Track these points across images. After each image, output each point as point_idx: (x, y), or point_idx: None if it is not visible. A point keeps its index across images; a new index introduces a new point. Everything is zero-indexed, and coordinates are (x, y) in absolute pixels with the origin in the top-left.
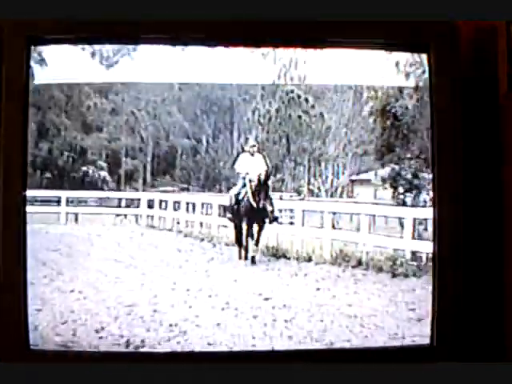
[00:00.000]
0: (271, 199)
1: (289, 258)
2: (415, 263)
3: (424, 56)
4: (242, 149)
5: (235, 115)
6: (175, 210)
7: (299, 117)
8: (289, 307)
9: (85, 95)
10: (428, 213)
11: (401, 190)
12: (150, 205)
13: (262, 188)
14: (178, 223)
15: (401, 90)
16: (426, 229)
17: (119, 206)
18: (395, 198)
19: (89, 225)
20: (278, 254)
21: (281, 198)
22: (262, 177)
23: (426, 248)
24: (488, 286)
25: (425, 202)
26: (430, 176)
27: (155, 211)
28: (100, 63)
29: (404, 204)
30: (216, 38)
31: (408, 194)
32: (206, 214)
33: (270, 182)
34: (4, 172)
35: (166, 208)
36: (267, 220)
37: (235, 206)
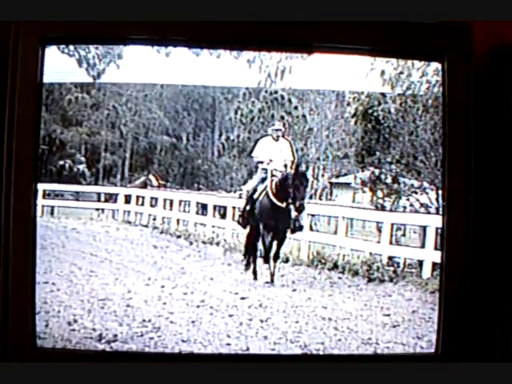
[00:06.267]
0: (302, 200)
1: None
2: (391, 268)
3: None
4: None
5: (217, 114)
6: (152, 206)
7: (282, 117)
8: (265, 307)
9: (66, 89)
10: (406, 218)
11: (380, 194)
12: (128, 200)
13: (287, 184)
14: (155, 219)
15: (384, 93)
16: (404, 234)
17: (97, 201)
18: (374, 202)
19: (64, 218)
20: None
21: None
22: (290, 169)
23: (403, 253)
24: (494, 294)
25: (404, 207)
26: (410, 181)
27: (132, 207)
28: (87, 72)
29: (383, 208)
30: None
31: (387, 199)
32: (184, 211)
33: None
34: (16, 166)
35: (143, 204)
36: (289, 228)
37: (247, 206)
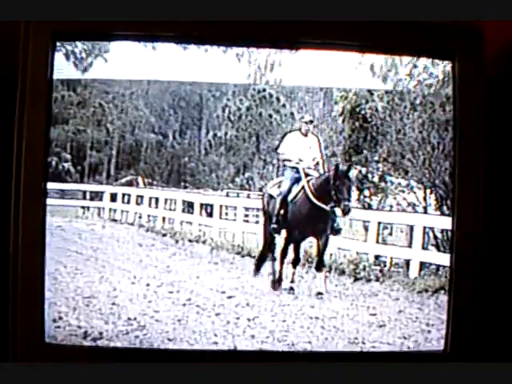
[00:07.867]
0: (349, 202)
1: (253, 257)
2: (378, 268)
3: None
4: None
5: (204, 111)
6: (138, 204)
7: (270, 115)
8: (252, 306)
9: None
10: (393, 217)
11: (367, 192)
12: (113, 198)
13: (329, 186)
14: (141, 217)
15: (371, 91)
16: (390, 233)
17: (82, 199)
18: (361, 200)
19: (50, 216)
20: (242, 253)
21: (248, 197)
22: (322, 168)
23: (390, 253)
24: (503, 293)
25: (391, 206)
26: (397, 180)
27: (118, 205)
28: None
29: (369, 207)
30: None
31: (374, 198)
32: (170, 209)
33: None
34: (25, 166)
35: (128, 202)
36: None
37: (281, 211)
